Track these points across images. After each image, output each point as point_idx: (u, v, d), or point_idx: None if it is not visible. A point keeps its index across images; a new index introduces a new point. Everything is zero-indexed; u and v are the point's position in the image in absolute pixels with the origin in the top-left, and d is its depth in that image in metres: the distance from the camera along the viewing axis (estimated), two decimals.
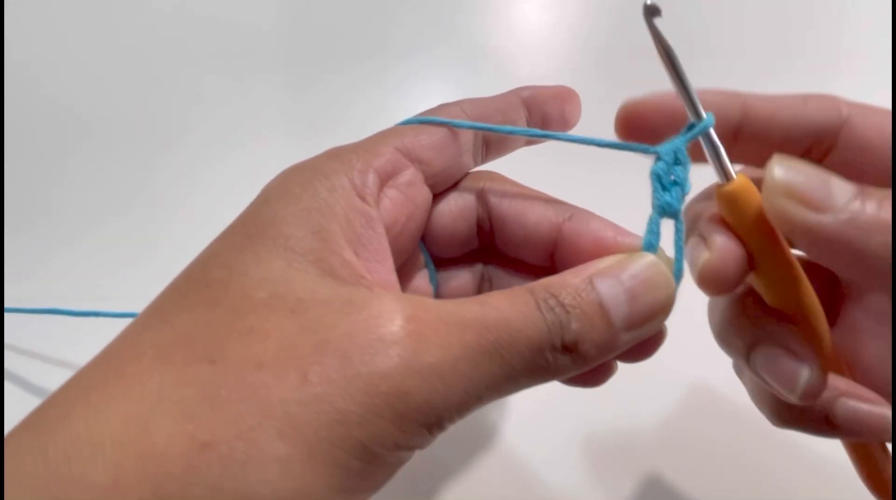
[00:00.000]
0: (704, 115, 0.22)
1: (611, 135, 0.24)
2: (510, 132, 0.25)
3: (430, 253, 0.27)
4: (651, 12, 0.21)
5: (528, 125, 0.27)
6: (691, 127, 0.22)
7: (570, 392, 0.25)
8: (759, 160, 0.23)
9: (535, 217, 0.25)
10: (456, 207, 0.26)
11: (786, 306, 0.23)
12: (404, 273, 0.27)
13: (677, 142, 0.23)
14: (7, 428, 0.18)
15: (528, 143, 0.28)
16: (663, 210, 0.22)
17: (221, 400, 0.16)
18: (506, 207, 0.26)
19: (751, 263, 0.22)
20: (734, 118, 0.24)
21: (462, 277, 0.28)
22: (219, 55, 0.58)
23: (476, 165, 0.27)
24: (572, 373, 0.20)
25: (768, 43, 0.57)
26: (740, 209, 0.22)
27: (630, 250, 0.23)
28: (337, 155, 0.23)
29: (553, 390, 0.23)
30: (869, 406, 0.22)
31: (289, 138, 0.53)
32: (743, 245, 0.22)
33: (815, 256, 0.21)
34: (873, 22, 0.57)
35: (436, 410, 0.17)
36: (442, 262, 0.28)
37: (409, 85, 0.57)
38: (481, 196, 0.26)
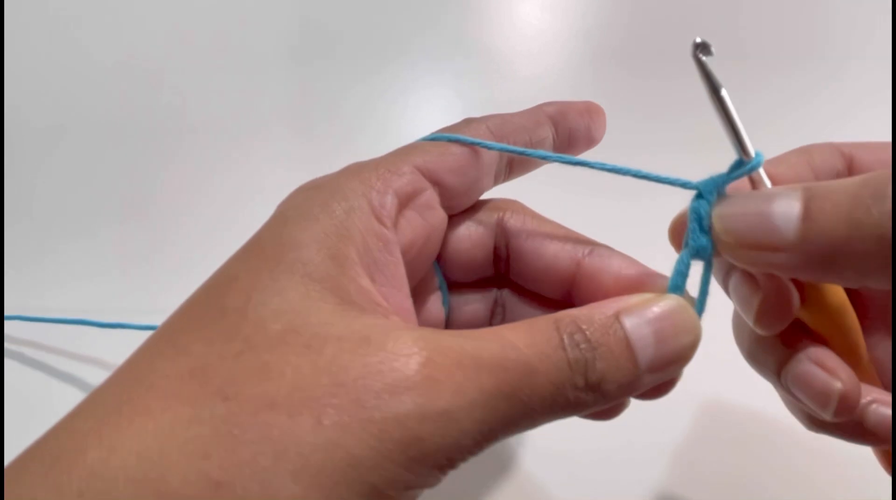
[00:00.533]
0: (753, 152, 0.21)
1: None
2: (539, 156, 0.25)
3: (444, 276, 0.27)
4: (701, 50, 0.20)
5: (555, 142, 0.26)
6: (738, 164, 0.21)
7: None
8: None
9: (553, 251, 0.25)
10: (475, 235, 0.26)
11: (826, 328, 0.23)
12: (417, 294, 0.26)
13: (721, 178, 0.21)
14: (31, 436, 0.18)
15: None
16: (696, 253, 0.21)
17: (235, 439, 0.16)
18: (524, 239, 0.25)
19: (801, 295, 0.22)
20: (832, 178, 0.22)
21: (475, 302, 0.27)
22: (226, 54, 0.58)
23: (497, 183, 0.27)
24: (593, 410, 0.20)
25: (767, 42, 0.57)
26: None
27: (653, 290, 0.22)
28: (357, 173, 0.22)
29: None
30: None
31: (296, 135, 0.53)
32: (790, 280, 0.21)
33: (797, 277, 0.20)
34: (874, 21, 0.57)
35: (448, 453, 0.17)
36: (455, 285, 0.27)
37: (411, 84, 0.57)
38: (500, 225, 0.26)
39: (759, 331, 0.22)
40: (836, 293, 0.23)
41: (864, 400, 0.22)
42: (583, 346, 0.19)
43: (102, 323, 0.39)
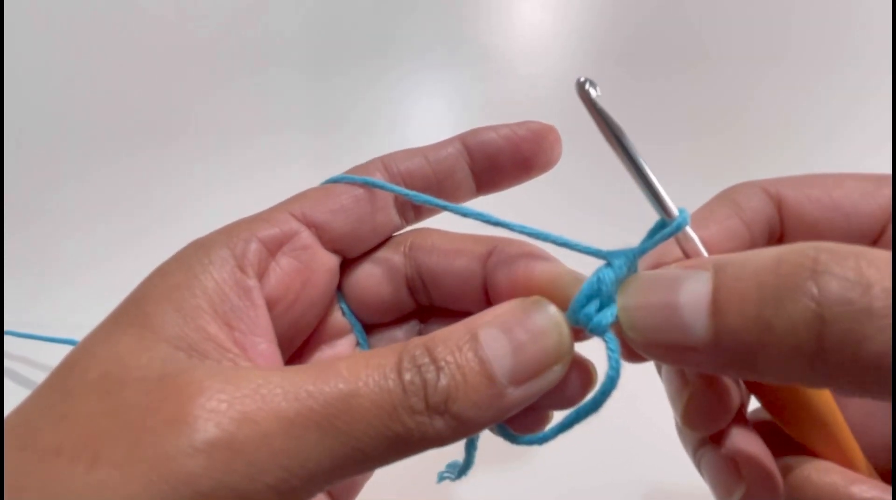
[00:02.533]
0: (676, 211, 0.19)
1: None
2: (427, 203, 0.23)
3: (364, 319, 0.26)
4: (585, 88, 0.18)
5: (476, 174, 0.24)
6: (660, 226, 0.19)
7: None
8: None
9: (463, 261, 0.23)
10: (379, 272, 0.25)
11: (809, 440, 0.21)
12: (324, 339, 0.25)
13: (634, 251, 0.19)
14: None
15: (482, 191, 0.25)
16: (591, 329, 0.19)
17: (22, 489, 0.16)
18: (434, 259, 0.24)
19: (761, 391, 0.21)
20: (764, 226, 0.21)
21: (396, 337, 0.26)
22: (234, 53, 0.58)
23: (408, 224, 0.26)
24: (455, 439, 0.18)
25: (767, 42, 0.58)
26: None
27: (558, 283, 0.20)
28: (231, 226, 0.23)
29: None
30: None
31: (301, 133, 0.54)
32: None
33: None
34: (873, 20, 0.57)
35: (244, 494, 0.16)
36: (378, 326, 0.26)
37: (413, 82, 0.57)
38: (409, 256, 0.25)
39: (686, 431, 0.21)
40: (815, 396, 0.20)
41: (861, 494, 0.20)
42: (423, 366, 0.17)
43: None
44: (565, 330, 0.19)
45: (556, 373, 0.19)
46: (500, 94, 0.55)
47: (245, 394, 0.16)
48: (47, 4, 0.56)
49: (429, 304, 0.25)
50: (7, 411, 0.19)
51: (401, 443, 0.17)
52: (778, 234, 0.22)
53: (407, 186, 0.24)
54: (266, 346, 0.21)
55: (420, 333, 0.26)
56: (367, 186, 0.24)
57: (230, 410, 0.16)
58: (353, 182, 0.24)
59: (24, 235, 0.47)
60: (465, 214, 0.22)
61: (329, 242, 0.24)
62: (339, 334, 0.26)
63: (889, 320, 0.14)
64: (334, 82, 0.57)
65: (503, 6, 0.62)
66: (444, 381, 0.17)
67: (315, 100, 0.56)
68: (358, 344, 0.26)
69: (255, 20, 0.60)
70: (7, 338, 0.42)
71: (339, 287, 0.25)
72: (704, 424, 0.21)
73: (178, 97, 0.56)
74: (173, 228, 0.47)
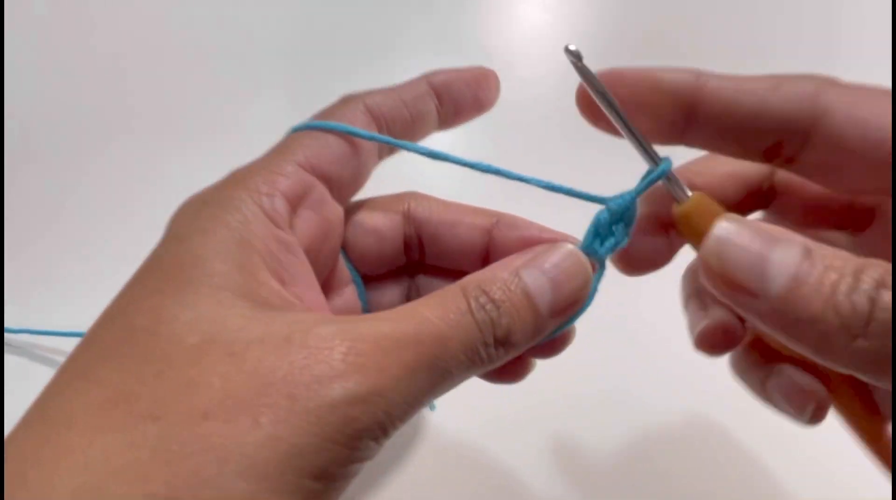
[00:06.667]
0: (660, 161, 0.22)
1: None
2: (413, 150, 0.25)
3: (360, 271, 0.27)
4: (575, 57, 0.21)
5: (440, 113, 0.26)
6: (648, 173, 0.22)
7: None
8: (719, 148, 0.22)
9: (466, 228, 0.26)
10: (384, 228, 0.27)
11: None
12: (332, 289, 0.27)
13: (629, 197, 0.22)
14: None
15: (442, 127, 0.27)
16: (587, 252, 0.23)
17: (175, 455, 0.16)
18: (435, 223, 0.26)
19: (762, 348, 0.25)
20: (686, 98, 0.22)
21: (391, 292, 0.28)
22: (222, 61, 0.58)
23: (382, 159, 0.27)
24: (505, 361, 0.21)
25: (767, 42, 0.57)
26: (696, 233, 0.21)
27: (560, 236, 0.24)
28: (241, 181, 0.22)
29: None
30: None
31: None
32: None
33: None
34: (873, 15, 0.57)
35: (382, 426, 0.18)
36: (368, 278, 0.28)
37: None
38: (407, 217, 0.27)
39: (748, 367, 0.25)
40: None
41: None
42: (488, 307, 0.20)
43: None
44: (589, 267, 0.22)
45: (580, 308, 0.22)
46: (500, 94, 0.55)
47: (370, 345, 0.18)
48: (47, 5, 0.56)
49: (419, 260, 0.28)
50: (6, 411, 0.18)
51: (475, 370, 0.20)
52: (800, 140, 0.21)
53: (388, 131, 0.25)
54: (317, 297, 0.22)
55: (410, 288, 0.28)
56: (354, 135, 0.24)
57: (371, 363, 0.18)
58: (345, 132, 0.24)
59: (23, 231, 0.47)
60: (463, 163, 0.24)
61: (336, 192, 0.24)
62: (340, 286, 0.27)
63: None
64: (334, 83, 0.57)
65: (503, 7, 0.62)
66: (504, 319, 0.20)
67: (315, 100, 0.56)
68: (356, 295, 0.27)
69: (255, 19, 0.60)
70: (7, 335, 0.42)
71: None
72: (713, 350, 0.25)
73: (178, 96, 0.56)
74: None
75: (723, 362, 0.27)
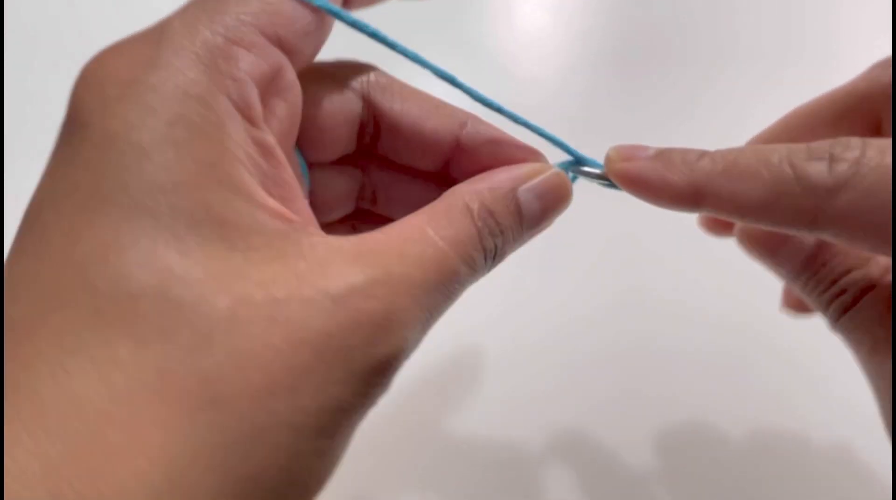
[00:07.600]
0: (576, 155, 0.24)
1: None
2: (413, 59, 0.23)
3: (307, 157, 0.23)
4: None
5: None
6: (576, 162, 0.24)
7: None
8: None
9: (433, 125, 0.23)
10: (341, 111, 0.23)
11: None
12: None
13: (570, 162, 0.24)
14: None
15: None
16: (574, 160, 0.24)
17: (209, 341, 0.15)
18: (398, 113, 0.23)
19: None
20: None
21: (338, 185, 0.25)
22: None
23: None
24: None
25: (767, 43, 0.57)
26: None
27: (527, 158, 0.24)
28: (190, 48, 0.17)
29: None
30: None
31: None
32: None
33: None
34: (874, 21, 0.57)
35: (408, 332, 0.18)
36: (313, 165, 0.24)
37: (413, 84, 0.57)
38: (366, 98, 0.23)
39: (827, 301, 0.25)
40: None
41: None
42: (495, 233, 0.21)
43: None
44: (572, 195, 0.23)
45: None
46: (500, 95, 0.55)
47: (398, 282, 0.18)
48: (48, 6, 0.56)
49: (369, 148, 0.24)
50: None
51: (476, 279, 0.21)
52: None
53: None
54: (306, 208, 0.20)
55: (365, 185, 0.26)
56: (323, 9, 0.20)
57: (399, 282, 0.18)
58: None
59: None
60: (443, 76, 0.23)
61: (298, 71, 0.20)
62: None
63: None
64: None
65: (503, 8, 0.62)
66: (507, 246, 0.21)
67: None
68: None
69: None
70: None
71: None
72: (716, 232, 0.29)
73: None
74: None
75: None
